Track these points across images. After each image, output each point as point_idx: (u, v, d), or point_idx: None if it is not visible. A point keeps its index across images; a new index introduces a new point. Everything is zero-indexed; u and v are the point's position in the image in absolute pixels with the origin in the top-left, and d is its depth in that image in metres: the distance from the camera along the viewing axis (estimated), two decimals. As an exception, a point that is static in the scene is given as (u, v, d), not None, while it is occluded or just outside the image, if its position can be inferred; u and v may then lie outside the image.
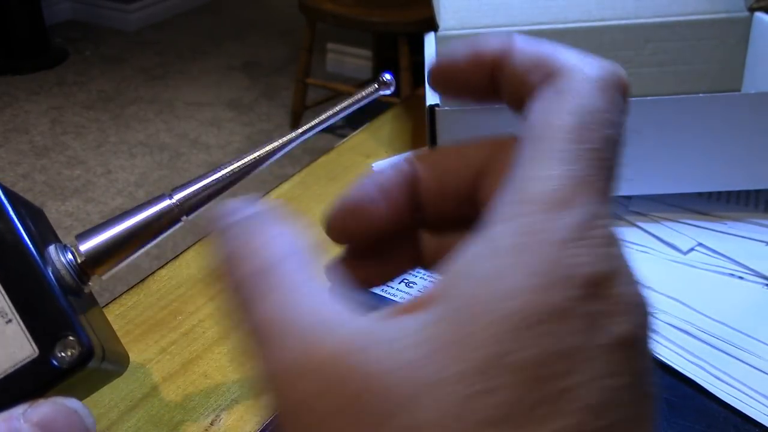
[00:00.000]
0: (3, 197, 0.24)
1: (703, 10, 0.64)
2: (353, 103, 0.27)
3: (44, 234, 0.26)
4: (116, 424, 0.37)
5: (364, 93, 0.26)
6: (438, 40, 0.64)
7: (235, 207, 0.18)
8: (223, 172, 0.27)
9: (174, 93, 2.70)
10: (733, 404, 0.40)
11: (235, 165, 0.27)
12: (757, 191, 0.55)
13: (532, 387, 0.13)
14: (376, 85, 0.27)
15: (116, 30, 3.23)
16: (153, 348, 0.43)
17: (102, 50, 3.04)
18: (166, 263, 0.51)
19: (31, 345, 0.23)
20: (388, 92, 0.26)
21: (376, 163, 0.61)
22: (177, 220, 0.26)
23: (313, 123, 0.28)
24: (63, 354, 0.22)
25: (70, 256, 0.24)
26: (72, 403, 0.22)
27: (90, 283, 0.26)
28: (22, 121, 2.48)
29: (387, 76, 0.27)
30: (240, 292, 0.16)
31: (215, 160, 2.29)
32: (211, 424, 0.38)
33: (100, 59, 2.95)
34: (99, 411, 0.38)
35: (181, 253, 0.52)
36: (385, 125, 0.70)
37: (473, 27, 0.64)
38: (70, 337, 0.23)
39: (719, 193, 0.56)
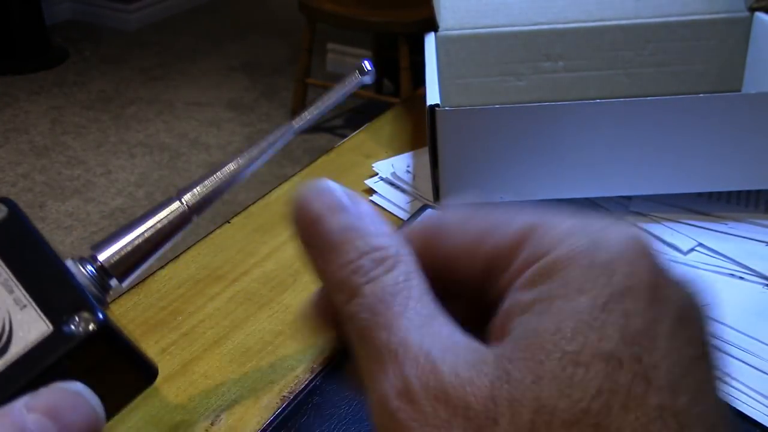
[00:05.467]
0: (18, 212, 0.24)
1: (703, 10, 0.64)
2: (341, 94, 0.28)
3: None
4: (116, 425, 0.37)
5: (347, 82, 0.28)
6: (438, 40, 0.64)
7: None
8: (226, 168, 0.27)
9: (174, 93, 2.70)
10: (732, 404, 0.40)
11: (237, 161, 0.28)
12: (757, 191, 0.55)
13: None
14: (357, 73, 0.29)
15: (116, 30, 3.23)
16: (153, 348, 0.43)
17: (102, 50, 3.04)
18: (166, 263, 0.51)
19: (45, 322, 0.22)
20: (368, 80, 0.29)
21: (376, 162, 0.61)
22: (188, 221, 0.26)
23: (305, 115, 0.28)
24: (78, 327, 0.22)
25: (90, 267, 0.24)
26: (73, 386, 0.21)
27: (110, 293, 0.26)
28: (22, 121, 2.48)
29: (366, 63, 0.29)
30: (361, 318, 0.20)
31: (215, 160, 2.29)
32: (212, 424, 0.38)
33: (100, 59, 2.95)
34: (99, 411, 0.38)
35: (181, 253, 0.52)
36: (385, 125, 0.70)
37: (473, 27, 0.64)
38: (85, 313, 0.22)
39: (719, 193, 0.56)
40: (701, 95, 0.51)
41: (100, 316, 0.22)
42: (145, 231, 0.25)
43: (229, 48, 3.09)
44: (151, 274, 0.49)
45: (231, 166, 0.27)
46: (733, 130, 0.50)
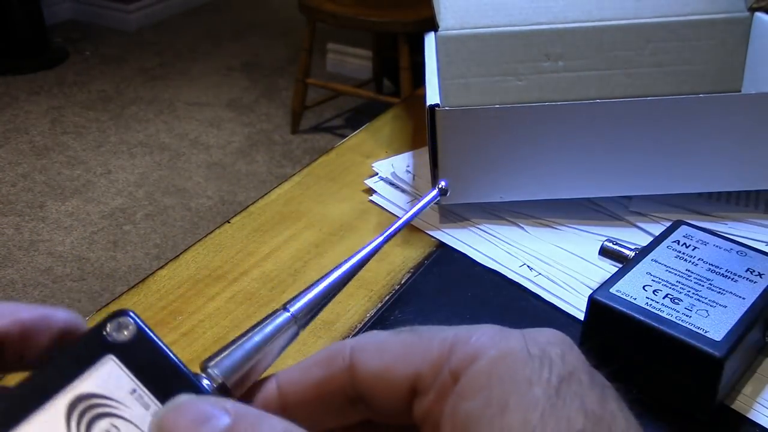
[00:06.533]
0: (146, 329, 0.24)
1: (703, 10, 0.64)
2: (418, 210, 0.30)
3: None
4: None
5: (425, 200, 0.30)
6: (438, 40, 0.64)
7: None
8: (333, 279, 0.27)
9: (174, 93, 2.70)
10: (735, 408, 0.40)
11: (342, 270, 0.27)
12: (757, 191, 0.55)
13: None
14: (437, 191, 0.31)
15: (116, 30, 3.23)
16: (153, 348, 0.43)
17: (102, 50, 3.04)
18: (166, 263, 0.51)
19: None
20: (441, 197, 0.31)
21: (376, 162, 0.61)
22: (296, 334, 0.26)
23: (396, 222, 0.29)
24: None
25: (206, 382, 0.24)
26: None
27: None
28: (22, 121, 2.48)
29: (442, 184, 0.31)
30: None
31: (215, 160, 2.29)
32: (211, 424, 0.38)
33: (100, 59, 2.95)
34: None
35: (181, 253, 0.52)
36: (385, 125, 0.70)
37: (473, 27, 0.64)
38: None
39: (719, 193, 0.56)
40: (701, 95, 0.51)
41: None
42: (258, 346, 0.25)
43: (229, 48, 3.09)
44: (151, 274, 0.49)
45: (336, 275, 0.27)
46: (733, 130, 0.50)
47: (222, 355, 0.25)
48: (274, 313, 0.26)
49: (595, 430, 0.18)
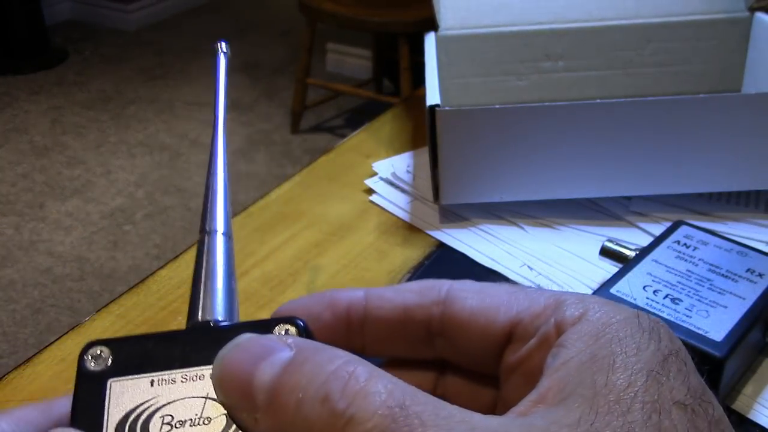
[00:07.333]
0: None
1: (703, 10, 0.64)
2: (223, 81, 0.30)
3: None
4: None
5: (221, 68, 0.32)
6: (438, 40, 0.64)
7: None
8: (222, 182, 0.27)
9: (174, 93, 2.70)
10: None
11: (219, 171, 0.28)
12: (757, 191, 0.55)
13: None
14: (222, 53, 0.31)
15: (116, 30, 3.23)
16: (153, 348, 0.43)
17: (102, 50, 3.04)
18: (166, 263, 0.51)
19: None
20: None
21: (376, 162, 0.61)
22: (233, 246, 0.26)
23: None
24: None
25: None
26: None
27: None
28: (22, 121, 2.48)
29: (221, 45, 0.32)
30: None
31: (215, 160, 2.29)
32: (211, 424, 0.38)
33: (100, 59, 2.95)
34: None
35: (181, 253, 0.52)
36: (385, 125, 0.70)
37: (473, 27, 0.64)
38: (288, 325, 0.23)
39: (719, 193, 0.56)
40: (701, 95, 0.51)
41: (300, 322, 0.23)
42: (232, 278, 0.25)
43: (229, 48, 3.09)
44: (151, 274, 0.49)
45: (220, 177, 0.27)
46: (733, 130, 0.50)
47: (207, 301, 0.24)
48: (204, 241, 0.25)
49: (695, 405, 0.19)
